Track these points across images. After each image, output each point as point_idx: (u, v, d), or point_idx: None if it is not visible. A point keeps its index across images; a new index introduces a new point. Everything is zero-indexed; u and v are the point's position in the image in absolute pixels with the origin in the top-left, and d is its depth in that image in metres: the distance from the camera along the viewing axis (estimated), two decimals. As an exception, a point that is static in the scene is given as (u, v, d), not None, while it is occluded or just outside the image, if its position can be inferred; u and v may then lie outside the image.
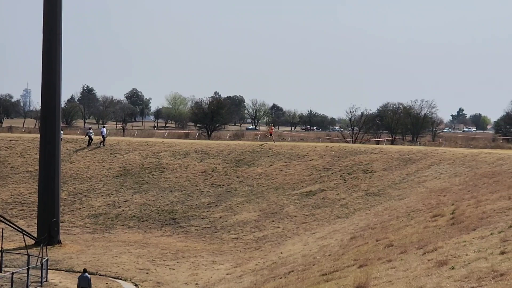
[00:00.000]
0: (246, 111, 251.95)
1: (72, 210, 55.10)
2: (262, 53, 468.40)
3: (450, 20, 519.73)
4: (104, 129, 75.12)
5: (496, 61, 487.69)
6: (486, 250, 17.09)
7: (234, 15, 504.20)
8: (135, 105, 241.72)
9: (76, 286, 31.86)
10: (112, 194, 58.20)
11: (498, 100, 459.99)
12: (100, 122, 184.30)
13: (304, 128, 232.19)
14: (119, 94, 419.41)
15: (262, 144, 68.48)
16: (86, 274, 31.63)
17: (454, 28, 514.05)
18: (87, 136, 71.88)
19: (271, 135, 78.59)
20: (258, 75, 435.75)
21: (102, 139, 70.82)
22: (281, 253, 37.31)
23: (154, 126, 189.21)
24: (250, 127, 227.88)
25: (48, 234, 44.33)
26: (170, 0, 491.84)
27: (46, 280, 34.47)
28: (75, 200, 57.21)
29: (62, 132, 75.52)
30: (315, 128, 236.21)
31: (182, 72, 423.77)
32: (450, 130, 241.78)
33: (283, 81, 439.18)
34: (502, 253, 15.85)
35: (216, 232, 48.14)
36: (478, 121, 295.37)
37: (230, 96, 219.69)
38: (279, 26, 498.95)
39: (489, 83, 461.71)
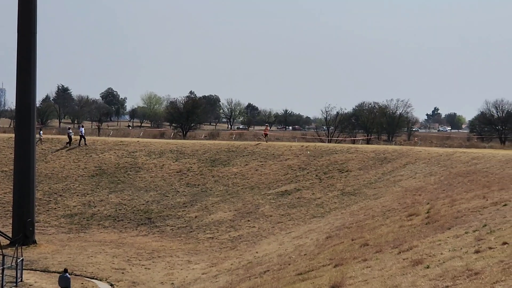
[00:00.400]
0: (221, 111, 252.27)
1: (48, 210, 54.79)
2: (238, 52, 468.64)
3: (425, 20, 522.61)
4: (83, 128, 74.76)
5: (470, 61, 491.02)
6: (461, 249, 17.19)
7: (209, 15, 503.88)
8: (111, 105, 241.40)
9: (51, 285, 31.76)
10: (88, 194, 57.96)
11: (473, 99, 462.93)
12: (76, 122, 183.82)
13: (294, 127, 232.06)
14: (94, 93, 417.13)
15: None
16: (67, 274, 31.59)
17: (429, 28, 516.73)
18: (68, 136, 71.72)
19: (266, 135, 77.48)
20: (233, 75, 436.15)
21: (80, 138, 70.59)
22: (256, 252, 37.31)
23: (129, 126, 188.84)
24: (241, 126, 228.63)
25: (23, 234, 44.03)
26: (144, 0, 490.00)
27: (21, 280, 34.25)
28: (50, 200, 56.89)
29: (41, 132, 75.45)
30: (296, 127, 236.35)
31: (157, 72, 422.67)
32: (419, 129, 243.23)
33: (259, 80, 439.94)
34: (477, 252, 15.95)
35: (191, 231, 48.08)
36: (453, 120, 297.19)
37: (205, 96, 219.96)
38: (254, 26, 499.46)
39: (464, 82, 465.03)
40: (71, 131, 72.92)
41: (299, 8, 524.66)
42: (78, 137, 71.10)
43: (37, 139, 68.93)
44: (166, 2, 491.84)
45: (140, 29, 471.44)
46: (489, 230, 19.09)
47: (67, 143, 70.54)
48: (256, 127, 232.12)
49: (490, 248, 15.99)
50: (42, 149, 68.38)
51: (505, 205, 24.71)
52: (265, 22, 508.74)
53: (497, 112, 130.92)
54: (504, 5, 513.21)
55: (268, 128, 79.03)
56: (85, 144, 69.94)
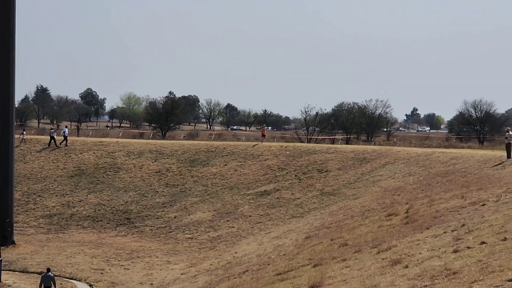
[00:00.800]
0: (200, 111, 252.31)
1: (26, 211, 54.57)
2: (217, 52, 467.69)
3: (404, 19, 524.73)
4: (66, 129, 74.45)
5: (449, 61, 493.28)
6: (439, 248, 17.23)
7: (188, 15, 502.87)
8: (90, 105, 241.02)
9: (30, 286, 31.68)
10: (67, 194, 57.76)
11: (452, 99, 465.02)
12: (55, 122, 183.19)
13: (285, 128, 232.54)
14: (73, 94, 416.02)
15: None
16: (50, 273, 31.58)
17: (408, 27, 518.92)
18: (50, 137, 71.49)
19: (263, 135, 76.25)
20: (213, 75, 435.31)
21: (64, 139, 70.36)
22: (235, 253, 37.30)
23: (107, 126, 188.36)
24: (235, 127, 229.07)
25: (1, 235, 43.82)
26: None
27: (0, 281, 34.09)
28: (29, 201, 56.66)
29: (24, 132, 75.10)
30: (286, 127, 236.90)
31: (136, 72, 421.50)
32: (403, 129, 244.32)
33: (238, 80, 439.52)
34: (455, 251, 15.99)
35: (170, 232, 48.01)
36: (432, 120, 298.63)
37: (184, 96, 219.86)
38: (232, 26, 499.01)
39: (443, 83, 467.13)
40: (54, 132, 72.68)
41: (278, 8, 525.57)
42: (62, 138, 70.91)
43: (20, 139, 68.88)
44: (144, 2, 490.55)
45: (119, 29, 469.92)
46: (467, 230, 19.16)
47: (48, 143, 70.29)
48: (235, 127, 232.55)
49: (468, 247, 16.04)
50: (21, 149, 68.12)
51: (483, 205, 24.82)
52: (243, 22, 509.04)
53: (475, 112, 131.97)
54: (482, 5, 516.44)
55: (266, 128, 78.32)
56: (66, 145, 69.72)
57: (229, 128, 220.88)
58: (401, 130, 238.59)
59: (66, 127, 79.60)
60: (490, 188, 30.16)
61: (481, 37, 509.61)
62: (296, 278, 19.65)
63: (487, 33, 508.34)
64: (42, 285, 31.12)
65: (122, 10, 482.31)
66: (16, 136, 72.19)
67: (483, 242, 16.12)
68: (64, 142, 70.16)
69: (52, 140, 70.21)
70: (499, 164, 40.53)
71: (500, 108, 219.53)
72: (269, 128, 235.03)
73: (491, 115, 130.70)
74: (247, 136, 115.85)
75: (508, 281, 11.06)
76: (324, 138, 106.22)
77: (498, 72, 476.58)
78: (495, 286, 10.93)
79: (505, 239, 15.70)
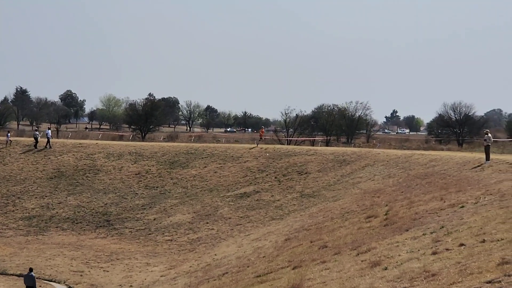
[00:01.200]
0: (180, 113, 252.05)
1: (6, 213, 54.29)
2: (197, 54, 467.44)
3: (384, 22, 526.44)
4: (49, 131, 74.06)
5: (429, 63, 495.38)
6: (419, 250, 17.30)
7: (168, 17, 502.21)
8: (69, 107, 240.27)
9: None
10: (46, 196, 57.50)
11: (431, 102, 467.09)
12: (34, 124, 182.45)
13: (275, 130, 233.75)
14: (53, 95, 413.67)
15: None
16: (32, 273, 31.62)
17: (388, 30, 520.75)
18: (34, 138, 71.17)
19: (261, 138, 75.72)
20: (193, 77, 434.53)
21: (48, 141, 70.10)
22: (215, 255, 37.24)
23: (86, 128, 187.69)
24: (228, 129, 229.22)
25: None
26: (104, 0, 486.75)
27: (-21, 283, 33.99)
28: (8, 202, 56.36)
29: (10, 134, 74.68)
30: (275, 128, 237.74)
31: (116, 74, 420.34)
32: (387, 131, 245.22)
33: (218, 82, 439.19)
34: (434, 253, 16.06)
35: (150, 234, 47.89)
36: (412, 123, 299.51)
37: (164, 98, 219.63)
38: (212, 27, 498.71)
39: (422, 85, 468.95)
40: (38, 133, 72.36)
41: (258, 10, 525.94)
42: (46, 140, 70.67)
43: (5, 141, 68.58)
44: (123, 4, 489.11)
45: (100, 31, 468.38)
46: (446, 232, 19.24)
47: (34, 145, 70.06)
48: (215, 129, 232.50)
49: (447, 249, 16.11)
50: (1, 151, 67.78)
51: (462, 206, 24.93)
52: (223, 24, 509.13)
53: (455, 114, 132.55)
54: (462, 8, 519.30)
55: (264, 130, 77.36)
56: (50, 147, 69.45)
57: (225, 131, 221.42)
58: (386, 132, 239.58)
59: (49, 128, 79.20)
60: (469, 190, 30.30)
61: (461, 40, 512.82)
62: (275, 280, 19.65)
63: (467, 36, 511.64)
64: (26, 285, 31.24)
65: (103, 12, 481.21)
66: (2, 138, 72.04)
67: (462, 244, 16.19)
68: (48, 144, 69.87)
69: (36, 143, 69.91)
70: (478, 166, 40.73)
71: (479, 111, 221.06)
72: (249, 130, 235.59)
73: (470, 118, 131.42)
74: (227, 138, 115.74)
75: (487, 283, 11.11)
76: (304, 140, 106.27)
77: (477, 75, 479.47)
78: (474, 288, 10.99)
79: (483, 241, 15.78)
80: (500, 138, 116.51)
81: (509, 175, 33.57)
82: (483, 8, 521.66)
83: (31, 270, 32.00)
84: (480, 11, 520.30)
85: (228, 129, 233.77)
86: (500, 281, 10.90)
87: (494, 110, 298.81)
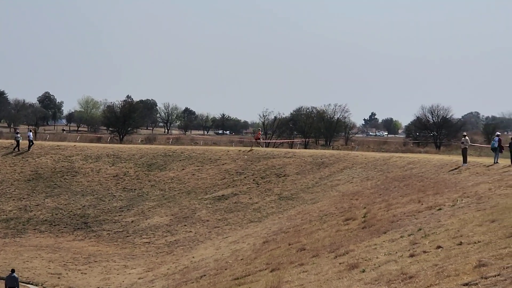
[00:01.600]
0: (158, 115, 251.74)
1: (-17, 215, 53.97)
2: (175, 56, 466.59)
3: (362, 25, 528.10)
4: (31, 133, 73.60)
5: (407, 66, 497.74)
6: (396, 253, 17.40)
7: (145, 18, 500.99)
8: (47, 109, 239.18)
9: None
10: (24, 198, 57.13)
11: (409, 104, 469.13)
12: (12, 126, 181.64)
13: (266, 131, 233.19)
14: (31, 97, 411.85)
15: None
16: (14, 274, 31.59)
17: (365, 33, 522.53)
18: (15, 141, 70.64)
19: (257, 140, 74.96)
20: (171, 79, 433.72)
21: (29, 143, 69.72)
22: (193, 257, 37.19)
23: (63, 130, 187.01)
24: (219, 132, 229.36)
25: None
26: (81, 1, 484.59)
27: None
28: (-15, 205, 56.02)
29: None
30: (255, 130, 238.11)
31: (95, 76, 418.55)
32: (372, 133, 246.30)
33: (196, 84, 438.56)
34: (411, 255, 16.16)
35: (128, 236, 47.76)
36: (390, 125, 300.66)
37: (142, 100, 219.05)
38: (190, 30, 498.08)
39: (401, 88, 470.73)
40: (19, 136, 71.93)
41: (235, 11, 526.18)
42: (27, 142, 70.25)
43: None
44: (101, 5, 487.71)
45: (77, 33, 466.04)
46: (423, 234, 19.36)
47: (15, 147, 69.64)
48: (193, 131, 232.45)
49: (424, 252, 16.21)
50: (-23, 153, 67.52)
51: (440, 209, 25.10)
52: (200, 25, 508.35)
53: (432, 117, 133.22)
54: (439, 10, 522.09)
55: (260, 132, 76.26)
56: (28, 149, 69.14)
57: (219, 132, 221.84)
58: (370, 135, 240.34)
59: (31, 131, 78.77)
60: (446, 193, 30.50)
61: (439, 43, 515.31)
62: (253, 283, 19.70)
63: (445, 40, 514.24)
64: (7, 286, 31.15)
65: (79, 13, 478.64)
66: None
67: (439, 247, 16.31)
68: (30, 146, 69.53)
69: (18, 145, 69.52)
70: (455, 169, 41.00)
71: (457, 114, 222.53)
72: (227, 132, 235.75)
73: (447, 120, 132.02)
74: (205, 141, 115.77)
75: (464, 285, 11.20)
76: (282, 142, 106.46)
77: (455, 78, 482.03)
78: (451, 290, 11.07)
79: (460, 243, 15.90)
80: (477, 140, 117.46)
81: (486, 178, 33.82)
82: (460, 12, 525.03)
83: (13, 271, 31.91)
84: (458, 15, 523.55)
85: (219, 132, 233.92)
86: (477, 284, 10.99)
87: (471, 113, 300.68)
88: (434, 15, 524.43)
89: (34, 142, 70.98)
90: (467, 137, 44.75)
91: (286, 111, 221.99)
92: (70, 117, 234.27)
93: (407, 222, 23.75)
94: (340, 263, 18.11)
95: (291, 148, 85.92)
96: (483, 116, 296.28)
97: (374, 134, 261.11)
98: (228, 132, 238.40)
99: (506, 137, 48.29)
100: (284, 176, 55.21)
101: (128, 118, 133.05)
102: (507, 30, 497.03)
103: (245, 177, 56.69)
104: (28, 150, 68.89)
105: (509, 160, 38.97)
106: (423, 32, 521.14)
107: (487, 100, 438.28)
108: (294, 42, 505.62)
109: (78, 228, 50.68)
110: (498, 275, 11.15)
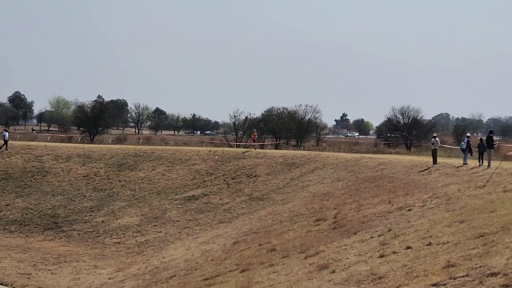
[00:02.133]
0: (129, 115, 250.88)
1: (-49, 215, 53.49)
2: (146, 56, 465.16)
3: (334, 25, 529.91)
4: (7, 133, 73.02)
5: (378, 67, 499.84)
6: (366, 253, 17.48)
7: (116, 18, 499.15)
8: (18, 108, 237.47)
9: None
10: (-6, 198, 56.76)
11: (380, 105, 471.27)
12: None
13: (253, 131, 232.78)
14: (1, 97, 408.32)
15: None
16: None
17: (337, 33, 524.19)
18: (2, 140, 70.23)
19: (254, 141, 74.43)
20: (141, 79, 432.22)
21: (4, 143, 69.26)
22: (163, 257, 37.12)
23: (33, 130, 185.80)
24: (208, 132, 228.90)
25: None
26: (48, 1, 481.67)
27: None
28: (-46, 205, 55.52)
29: None
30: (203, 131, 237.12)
31: (66, 76, 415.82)
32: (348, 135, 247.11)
33: (167, 84, 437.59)
34: (381, 256, 16.24)
35: (98, 236, 47.54)
36: (361, 126, 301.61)
37: (113, 100, 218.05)
38: (160, 28, 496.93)
39: (372, 89, 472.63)
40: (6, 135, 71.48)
41: (206, 10, 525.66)
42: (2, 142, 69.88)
43: None
44: (71, 4, 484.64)
45: (48, 32, 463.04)
46: (393, 235, 19.48)
47: (1, 146, 69.28)
48: (164, 132, 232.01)
49: (394, 252, 16.31)
50: None
51: (410, 210, 25.27)
52: (171, 25, 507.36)
53: (403, 118, 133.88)
54: (409, 11, 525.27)
55: (256, 134, 75.49)
56: (6, 149, 68.73)
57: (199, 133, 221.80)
58: (350, 136, 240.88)
59: (6, 130, 78.26)
60: (416, 194, 30.74)
61: (409, 45, 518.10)
62: (223, 284, 19.70)
63: (415, 41, 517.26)
64: None
65: (50, 12, 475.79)
66: None
67: (408, 247, 16.41)
68: (5, 146, 69.11)
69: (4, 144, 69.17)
70: (425, 169, 41.32)
71: (427, 115, 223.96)
72: (198, 132, 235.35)
73: (418, 121, 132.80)
74: (176, 141, 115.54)
75: (432, 285, 11.28)
76: (253, 144, 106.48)
77: (425, 80, 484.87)
78: (420, 290, 11.15)
79: (430, 244, 16.01)
80: (447, 141, 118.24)
81: (455, 179, 34.12)
82: (430, 12, 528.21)
83: None
84: (427, 15, 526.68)
85: (207, 132, 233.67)
86: (445, 284, 11.07)
87: (441, 114, 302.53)
88: (404, 17, 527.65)
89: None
90: (437, 138, 45.15)
91: (257, 112, 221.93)
92: (41, 117, 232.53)
93: (377, 223, 23.89)
94: (310, 264, 18.15)
95: (262, 149, 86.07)
96: (453, 117, 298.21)
97: (345, 135, 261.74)
98: (214, 132, 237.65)
99: (475, 138, 48.78)
100: (255, 176, 55.27)
101: (98, 118, 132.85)
102: (476, 31, 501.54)
103: (215, 178, 56.70)
104: (6, 149, 68.48)
105: (479, 161, 39.44)
106: (394, 34, 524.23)
107: (458, 102, 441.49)
108: (265, 42, 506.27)
109: (48, 228, 50.37)
110: (466, 275, 11.25)
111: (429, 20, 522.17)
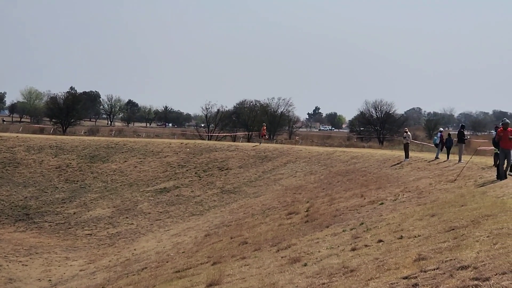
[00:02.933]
0: (101, 107, 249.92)
1: None
2: (118, 47, 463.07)
3: (307, 18, 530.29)
4: None
5: (351, 61, 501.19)
6: (338, 246, 17.59)
7: (89, 9, 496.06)
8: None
9: None
10: (-36, 189, 56.33)
11: (353, 99, 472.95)
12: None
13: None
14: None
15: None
16: None
17: (310, 26, 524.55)
18: None
19: (263, 136, 72.63)
20: (114, 71, 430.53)
21: None
22: (134, 249, 37.08)
23: (3, 120, 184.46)
24: (193, 127, 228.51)
25: None
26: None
27: None
28: None
29: None
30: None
31: (38, 67, 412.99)
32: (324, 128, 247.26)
33: (139, 76, 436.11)
34: (353, 249, 16.35)
35: (70, 228, 47.35)
36: (334, 119, 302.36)
37: (86, 91, 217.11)
38: (132, 21, 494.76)
39: (345, 82, 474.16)
40: None
41: (178, 1, 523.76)
42: None
43: None
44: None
45: (20, 22, 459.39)
46: (365, 228, 19.61)
47: None
48: (136, 124, 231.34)
49: (366, 245, 16.42)
50: None
51: (382, 203, 25.45)
52: (143, 16, 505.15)
53: (376, 112, 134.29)
54: (382, 5, 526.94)
55: (265, 128, 74.13)
56: None
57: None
58: (321, 129, 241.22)
59: None
60: (388, 188, 30.96)
61: (382, 39, 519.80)
62: (194, 276, 19.72)
63: (388, 35, 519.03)
64: None
65: (22, 4, 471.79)
66: None
67: (380, 241, 16.54)
68: None
69: None
70: (397, 163, 41.61)
71: (400, 109, 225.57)
72: (170, 125, 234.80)
73: (390, 116, 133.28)
74: (147, 133, 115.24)
75: (403, 278, 11.38)
76: (225, 136, 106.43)
77: (398, 74, 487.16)
78: (391, 283, 11.23)
79: (401, 237, 16.15)
80: (419, 136, 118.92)
81: (427, 173, 34.39)
82: (403, 7, 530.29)
83: None
84: (401, 10, 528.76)
85: (194, 125, 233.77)
86: (416, 277, 11.18)
87: (414, 108, 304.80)
88: (378, 11, 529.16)
89: None
90: (409, 133, 45.49)
91: (229, 104, 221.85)
92: (13, 108, 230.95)
93: (349, 217, 24.04)
94: (282, 257, 18.22)
95: (234, 141, 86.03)
96: (425, 111, 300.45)
97: (318, 128, 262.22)
98: (202, 125, 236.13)
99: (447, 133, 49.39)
100: (227, 169, 55.32)
101: (71, 110, 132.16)
102: (448, 25, 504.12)
103: (187, 170, 56.67)
104: None
105: (453, 156, 39.86)
106: (366, 27, 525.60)
107: (430, 96, 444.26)
108: (237, 34, 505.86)
109: (20, 220, 50.08)
110: (437, 268, 11.37)
111: (402, 14, 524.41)
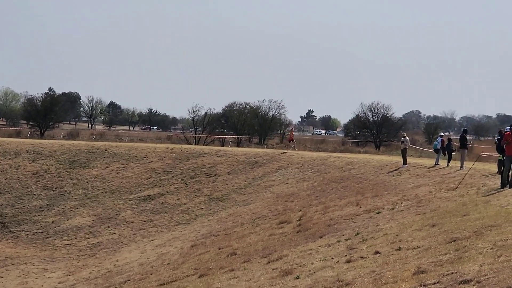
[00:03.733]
0: (81, 109, 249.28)
1: None
2: (100, 47, 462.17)
3: (300, 19, 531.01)
4: None
5: (346, 62, 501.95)
6: (332, 258, 17.52)
7: (67, 7, 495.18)
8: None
9: None
10: None
11: (348, 102, 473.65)
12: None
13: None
14: None
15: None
16: None
17: (302, 26, 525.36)
18: None
19: (291, 141, 69.93)
20: (95, 71, 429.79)
21: None
22: (116, 261, 36.95)
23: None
24: (180, 131, 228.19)
25: None
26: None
27: None
28: None
29: None
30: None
31: (14, 67, 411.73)
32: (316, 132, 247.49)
33: (122, 77, 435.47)
34: (348, 261, 16.29)
35: (48, 237, 47.19)
36: (328, 123, 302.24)
37: (65, 93, 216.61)
38: (114, 20, 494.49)
39: (339, 84, 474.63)
40: None
41: (163, 2, 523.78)
42: None
43: None
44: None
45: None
46: (361, 239, 19.55)
47: None
48: (118, 127, 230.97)
49: (362, 257, 16.36)
50: None
51: (378, 212, 25.42)
52: (125, 16, 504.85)
53: (372, 115, 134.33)
54: (378, 7, 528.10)
55: (293, 133, 72.74)
56: None
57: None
58: (315, 133, 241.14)
59: None
60: (385, 195, 30.92)
61: (379, 40, 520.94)
62: (180, 289, 19.66)
63: (385, 37, 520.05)
64: None
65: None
66: None
67: (377, 252, 16.48)
68: None
69: None
70: (395, 170, 41.60)
71: (398, 112, 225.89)
72: (154, 128, 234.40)
73: (388, 119, 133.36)
74: (131, 137, 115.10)
75: (400, 292, 11.34)
76: (213, 140, 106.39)
77: (396, 76, 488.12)
78: (388, 298, 11.21)
79: (399, 248, 16.09)
80: (418, 141, 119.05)
81: (426, 180, 34.39)
82: (400, 9, 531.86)
83: None
84: (398, 12, 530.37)
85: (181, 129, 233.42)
86: (415, 291, 11.15)
87: (412, 111, 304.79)
88: (374, 13, 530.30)
89: None
90: (407, 137, 45.51)
91: (217, 107, 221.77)
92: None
93: (344, 226, 23.99)
94: (273, 269, 18.16)
95: (223, 146, 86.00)
96: (424, 115, 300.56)
97: (312, 132, 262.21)
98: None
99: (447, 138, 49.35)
100: (215, 176, 55.22)
101: (49, 112, 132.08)
102: (447, 28, 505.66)
103: (173, 177, 56.56)
104: None
105: (454, 162, 39.86)
106: (362, 28, 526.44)
107: (429, 99, 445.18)
108: (226, 34, 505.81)
109: (-6, 229, 49.99)
110: (437, 282, 11.32)
111: (400, 16, 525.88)
